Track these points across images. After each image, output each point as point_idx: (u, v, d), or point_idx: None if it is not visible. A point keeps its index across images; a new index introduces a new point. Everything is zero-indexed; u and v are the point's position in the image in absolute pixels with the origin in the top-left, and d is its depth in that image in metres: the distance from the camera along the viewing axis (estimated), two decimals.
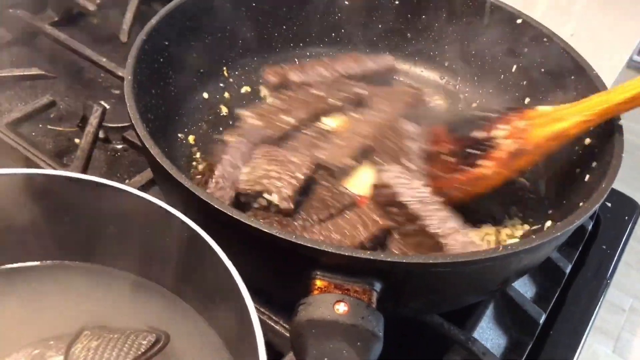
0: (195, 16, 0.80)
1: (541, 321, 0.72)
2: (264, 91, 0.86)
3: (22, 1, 0.99)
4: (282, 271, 0.58)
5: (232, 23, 0.84)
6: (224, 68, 0.88)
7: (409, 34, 0.94)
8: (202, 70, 0.84)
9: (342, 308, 0.51)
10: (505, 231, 0.75)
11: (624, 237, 0.85)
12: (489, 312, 0.72)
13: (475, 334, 0.69)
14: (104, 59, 0.91)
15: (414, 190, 0.64)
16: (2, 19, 0.97)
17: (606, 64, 0.84)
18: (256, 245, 0.55)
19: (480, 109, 0.89)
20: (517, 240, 0.73)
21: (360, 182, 0.72)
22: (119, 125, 0.86)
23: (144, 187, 0.74)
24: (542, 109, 0.71)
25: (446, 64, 0.94)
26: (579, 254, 0.82)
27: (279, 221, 0.66)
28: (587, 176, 0.70)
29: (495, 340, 0.71)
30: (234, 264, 0.48)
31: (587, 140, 0.74)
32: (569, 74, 0.79)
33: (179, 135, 0.79)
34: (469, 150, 0.71)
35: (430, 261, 0.52)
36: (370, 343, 0.49)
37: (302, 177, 0.67)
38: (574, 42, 0.82)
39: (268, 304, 0.64)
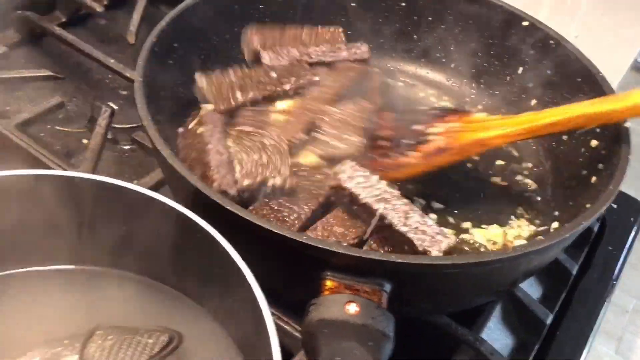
0: (204, 18, 0.80)
1: (548, 322, 0.73)
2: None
3: (31, 2, 1.00)
4: (293, 271, 0.58)
5: (240, 25, 0.84)
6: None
7: (415, 36, 0.94)
8: (210, 72, 0.85)
9: (353, 308, 0.51)
10: (511, 232, 0.75)
11: (630, 239, 0.86)
12: (497, 313, 0.72)
13: (483, 335, 0.69)
14: (112, 60, 0.91)
15: (372, 189, 0.64)
16: (11, 20, 0.98)
17: (610, 66, 0.84)
18: (267, 245, 0.56)
19: (484, 111, 0.90)
20: (523, 241, 0.74)
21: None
22: (127, 126, 0.86)
23: (153, 188, 0.74)
24: (477, 115, 0.76)
25: (452, 66, 0.94)
26: (585, 255, 0.82)
27: (276, 217, 0.66)
28: (594, 178, 0.71)
29: (503, 341, 0.72)
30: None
31: (594, 142, 0.74)
32: (576, 76, 0.80)
33: None
34: (403, 140, 0.74)
35: (441, 262, 0.53)
36: (382, 343, 0.50)
37: (287, 153, 0.68)
38: (578, 44, 0.82)
39: (277, 304, 0.64)
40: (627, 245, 0.85)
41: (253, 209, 0.64)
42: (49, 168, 0.75)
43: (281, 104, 0.78)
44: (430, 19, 0.92)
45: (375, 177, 0.65)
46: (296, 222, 0.63)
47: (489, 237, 0.74)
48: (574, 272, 0.79)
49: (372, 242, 0.63)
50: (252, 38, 0.82)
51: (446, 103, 0.92)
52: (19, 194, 0.52)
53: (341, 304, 0.51)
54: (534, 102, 0.86)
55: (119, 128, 0.86)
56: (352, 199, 0.64)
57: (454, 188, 0.79)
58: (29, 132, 0.81)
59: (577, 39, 0.85)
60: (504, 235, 0.74)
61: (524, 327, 0.73)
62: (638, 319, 1.99)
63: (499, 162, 0.83)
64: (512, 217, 0.77)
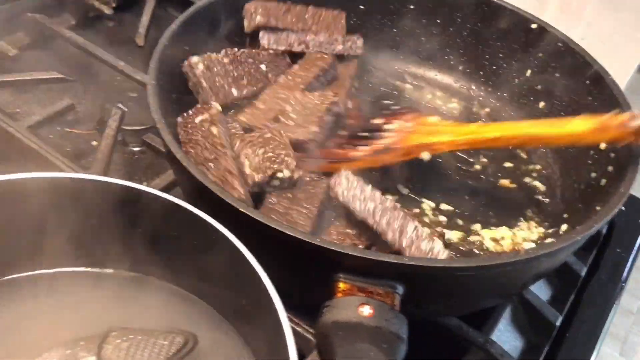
0: (214, 21, 0.80)
1: (557, 323, 0.73)
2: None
3: (40, 5, 1.00)
4: (306, 274, 0.59)
5: None
6: None
7: (423, 38, 0.94)
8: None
9: (366, 311, 0.52)
10: (520, 234, 0.75)
11: (638, 241, 0.86)
12: (507, 315, 0.73)
13: (493, 336, 0.69)
14: (122, 63, 0.92)
15: (368, 202, 0.63)
16: (20, 22, 0.98)
17: (617, 68, 0.84)
18: (281, 248, 0.56)
19: (492, 113, 0.91)
20: (532, 243, 0.74)
21: None
22: (137, 128, 0.86)
23: (164, 190, 0.74)
24: (430, 119, 0.76)
25: (460, 68, 0.94)
26: (594, 257, 0.82)
27: (287, 220, 0.66)
28: (604, 180, 0.71)
29: (513, 343, 0.72)
30: None
31: (603, 145, 0.74)
32: (584, 79, 0.80)
33: None
34: (360, 132, 0.76)
35: (454, 265, 0.53)
36: (396, 345, 0.50)
37: (289, 145, 0.68)
38: (585, 46, 0.83)
39: (288, 305, 0.65)
40: (636, 248, 0.85)
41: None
42: (61, 170, 0.75)
43: None
44: (438, 21, 0.93)
45: (369, 188, 0.65)
46: (308, 222, 0.63)
47: (497, 239, 0.74)
48: (583, 274, 0.80)
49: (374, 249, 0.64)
50: (256, 11, 0.82)
51: (454, 105, 0.92)
52: (45, 196, 0.52)
53: (355, 306, 0.52)
54: (542, 104, 0.86)
55: (129, 130, 0.86)
56: (349, 213, 0.64)
57: (462, 190, 0.79)
58: (40, 134, 0.81)
59: (583, 41, 0.86)
60: (512, 237, 0.75)
61: (533, 328, 0.73)
62: None
63: (508, 164, 0.83)
64: (521, 219, 0.77)
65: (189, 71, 0.75)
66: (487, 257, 0.61)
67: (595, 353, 0.72)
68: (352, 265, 0.54)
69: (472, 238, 0.74)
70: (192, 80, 0.76)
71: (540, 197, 0.80)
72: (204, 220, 0.51)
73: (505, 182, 0.81)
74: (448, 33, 0.93)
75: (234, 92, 0.77)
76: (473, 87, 0.94)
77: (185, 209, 0.52)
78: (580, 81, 0.80)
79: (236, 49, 0.79)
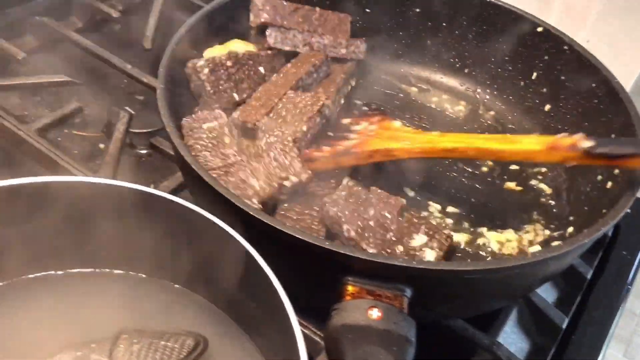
0: (222, 25, 0.81)
1: (563, 326, 0.73)
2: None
3: (48, 8, 1.01)
4: (314, 276, 0.59)
5: None
6: None
7: (429, 41, 0.95)
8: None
9: (375, 313, 0.52)
10: (526, 237, 0.76)
11: None
12: (513, 317, 0.73)
13: (500, 339, 0.70)
14: (129, 66, 0.92)
15: (359, 218, 0.64)
16: (28, 26, 0.99)
17: (622, 70, 0.84)
18: (289, 250, 0.56)
19: (498, 116, 0.91)
20: (538, 246, 0.74)
21: None
22: (145, 130, 0.87)
23: (173, 192, 0.75)
24: (394, 123, 0.77)
25: (466, 71, 0.95)
26: (600, 259, 0.83)
27: (301, 226, 0.66)
28: (610, 183, 0.71)
29: (519, 345, 0.72)
30: None
31: None
32: (590, 82, 0.80)
33: None
34: (329, 131, 0.77)
35: (462, 268, 0.54)
36: (405, 348, 0.51)
37: (294, 146, 0.68)
38: (590, 48, 0.83)
39: (297, 308, 0.65)
40: None
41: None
42: (70, 172, 0.76)
43: None
44: (444, 24, 0.93)
45: (366, 208, 0.65)
46: (321, 226, 0.64)
47: (504, 241, 0.75)
48: (589, 276, 0.80)
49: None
50: (263, 7, 0.83)
51: (460, 108, 0.93)
52: (57, 200, 0.53)
53: (363, 309, 0.52)
54: (547, 107, 0.87)
55: (136, 133, 0.87)
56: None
57: (469, 192, 0.80)
58: (48, 137, 0.82)
59: (588, 43, 0.86)
60: (519, 240, 0.75)
61: (539, 331, 0.73)
62: None
63: (514, 167, 0.84)
64: (527, 221, 0.77)
65: (193, 74, 0.75)
66: (496, 260, 0.61)
67: (601, 355, 0.72)
68: (360, 269, 0.54)
69: (478, 240, 0.74)
70: (195, 83, 0.76)
71: (546, 200, 0.80)
72: (215, 224, 0.51)
73: (511, 184, 0.82)
74: (454, 36, 0.93)
75: (236, 96, 0.77)
76: (479, 90, 0.94)
77: (197, 213, 0.52)
78: (586, 84, 0.81)
79: (238, 52, 0.79)
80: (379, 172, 0.76)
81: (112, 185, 0.53)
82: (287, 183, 0.66)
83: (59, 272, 0.57)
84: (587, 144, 0.64)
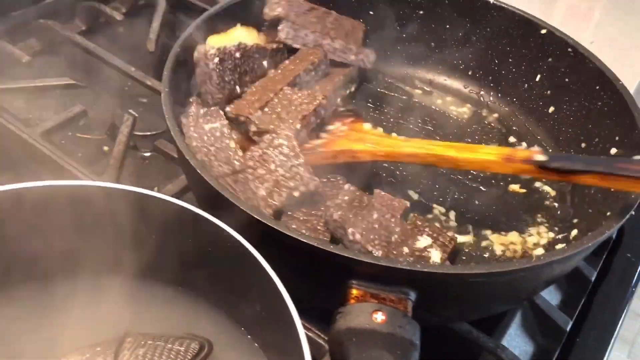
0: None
1: (568, 328, 0.73)
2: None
3: (52, 11, 1.01)
4: (318, 280, 0.59)
5: None
6: None
7: (432, 43, 0.95)
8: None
9: (380, 317, 0.52)
10: (531, 239, 0.75)
11: None
12: (517, 320, 0.73)
13: (504, 341, 0.70)
14: (133, 68, 0.92)
15: (363, 221, 0.64)
16: (32, 29, 0.99)
17: (626, 71, 0.84)
18: (293, 254, 0.56)
19: (502, 118, 0.91)
20: (542, 248, 0.74)
21: None
22: (148, 133, 0.87)
23: (177, 195, 0.75)
24: (364, 126, 0.78)
25: (470, 73, 0.95)
26: (604, 262, 0.83)
27: (307, 228, 0.66)
28: None
29: (523, 347, 0.72)
30: None
31: (613, 150, 0.75)
32: (594, 84, 0.80)
33: None
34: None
35: (467, 271, 0.53)
36: (409, 352, 0.51)
37: (299, 154, 0.67)
38: (594, 50, 0.83)
39: (300, 311, 0.65)
40: None
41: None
42: (74, 175, 0.76)
43: None
44: (447, 26, 0.93)
45: (373, 206, 0.65)
46: (326, 228, 0.64)
47: (508, 244, 0.75)
48: (593, 278, 0.80)
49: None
50: (279, 2, 0.82)
51: (464, 110, 0.93)
52: (64, 204, 0.53)
53: (368, 313, 0.52)
54: (551, 109, 0.87)
55: (139, 135, 0.87)
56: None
57: (473, 195, 0.79)
58: (52, 140, 0.82)
59: (592, 44, 0.86)
60: (523, 243, 0.75)
61: (544, 333, 0.73)
62: None
63: None
64: (531, 224, 0.77)
65: (202, 59, 0.73)
66: (500, 263, 0.61)
67: (605, 358, 0.72)
68: (365, 272, 0.54)
69: (482, 243, 0.74)
70: (203, 70, 0.74)
71: (550, 202, 0.80)
72: (220, 228, 0.51)
73: (515, 187, 0.82)
74: (457, 38, 0.93)
75: (237, 89, 0.76)
76: (482, 92, 0.94)
77: (201, 217, 0.52)
78: (590, 86, 0.80)
79: (247, 44, 0.78)
80: (383, 176, 0.76)
81: (115, 188, 0.53)
82: (295, 193, 0.65)
83: (64, 275, 0.57)
84: (540, 157, 0.65)
